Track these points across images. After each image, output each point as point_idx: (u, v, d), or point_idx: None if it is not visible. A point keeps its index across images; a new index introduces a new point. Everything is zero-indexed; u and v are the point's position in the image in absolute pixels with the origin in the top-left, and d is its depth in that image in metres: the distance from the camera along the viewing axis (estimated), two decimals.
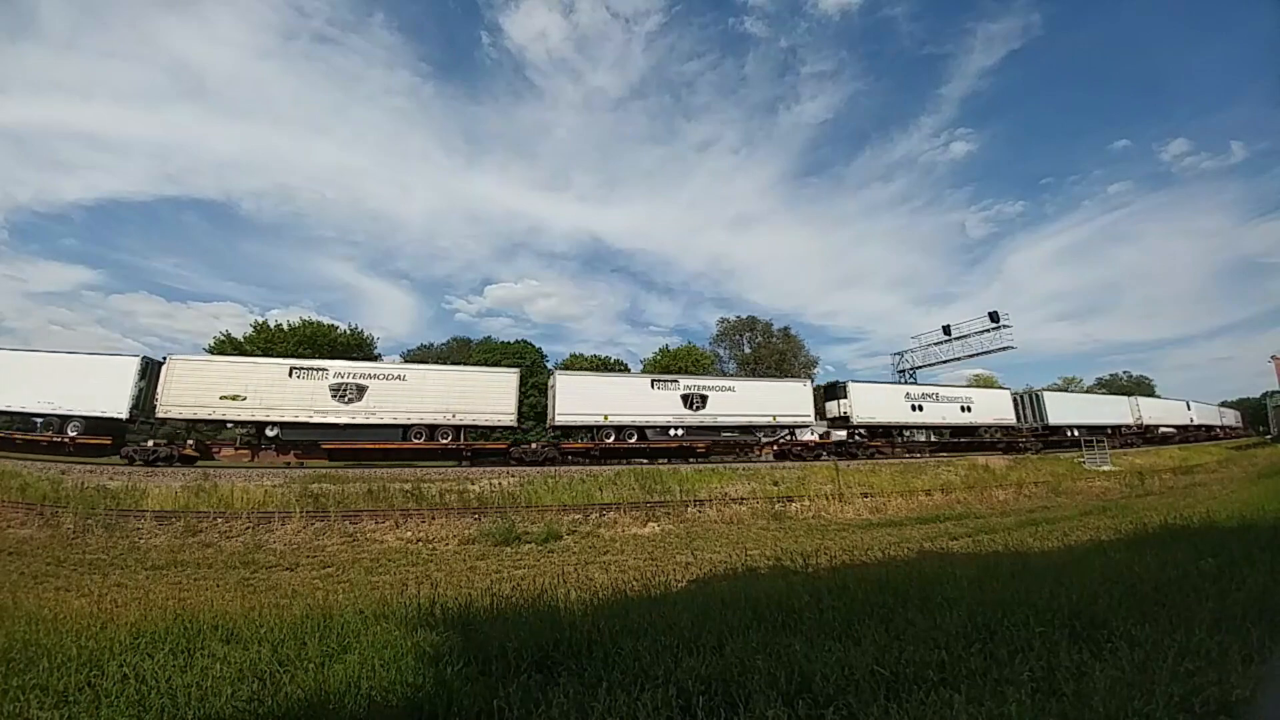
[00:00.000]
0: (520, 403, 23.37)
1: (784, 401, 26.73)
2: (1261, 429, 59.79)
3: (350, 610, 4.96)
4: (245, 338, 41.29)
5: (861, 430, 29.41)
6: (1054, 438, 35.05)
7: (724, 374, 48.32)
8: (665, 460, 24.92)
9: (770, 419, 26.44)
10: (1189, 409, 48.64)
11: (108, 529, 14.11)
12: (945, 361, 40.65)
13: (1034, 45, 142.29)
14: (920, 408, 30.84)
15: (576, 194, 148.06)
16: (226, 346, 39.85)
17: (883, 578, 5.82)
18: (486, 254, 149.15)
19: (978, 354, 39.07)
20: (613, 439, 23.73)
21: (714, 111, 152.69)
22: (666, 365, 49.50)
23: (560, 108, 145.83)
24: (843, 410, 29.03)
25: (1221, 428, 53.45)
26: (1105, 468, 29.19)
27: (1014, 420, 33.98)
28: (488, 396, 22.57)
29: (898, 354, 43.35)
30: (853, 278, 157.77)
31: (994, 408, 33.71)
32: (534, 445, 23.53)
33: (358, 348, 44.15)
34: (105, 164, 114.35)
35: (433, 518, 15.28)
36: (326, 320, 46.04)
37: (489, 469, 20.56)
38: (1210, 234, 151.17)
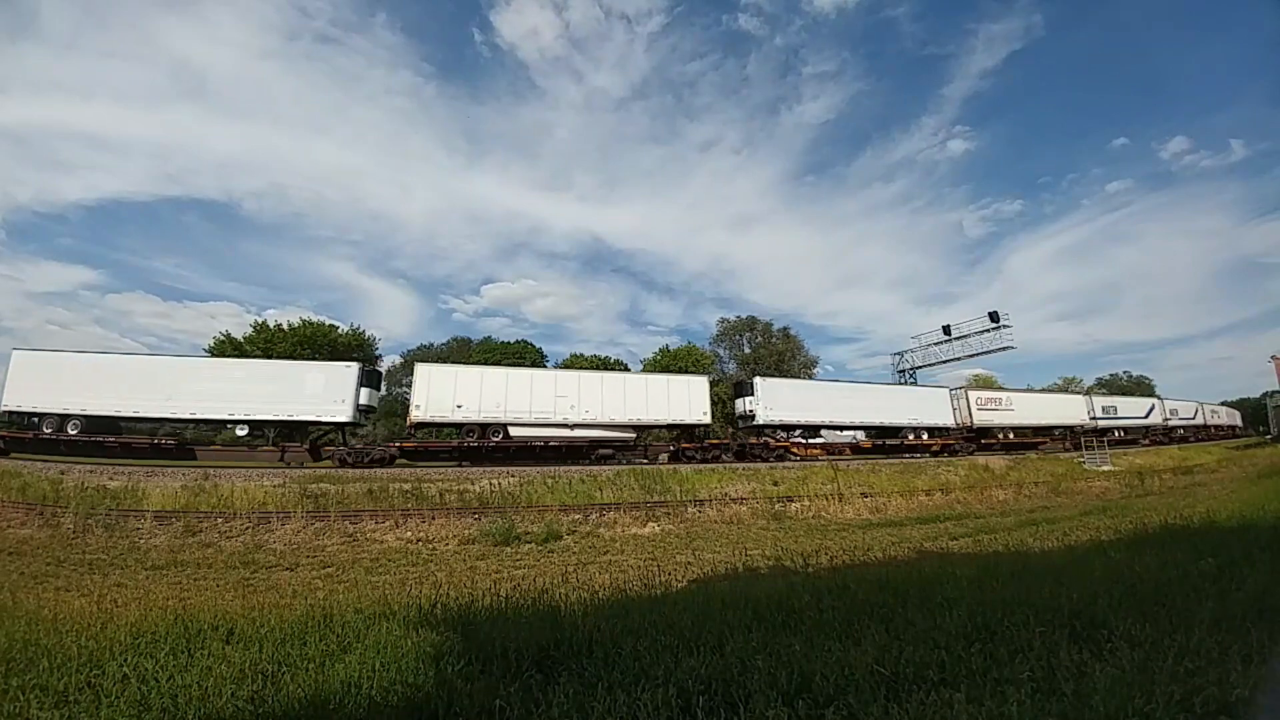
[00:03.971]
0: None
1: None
2: (1261, 429, 59.81)
3: (351, 610, 4.95)
4: (245, 338, 41.22)
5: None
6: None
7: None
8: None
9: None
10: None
11: (108, 529, 14.10)
12: (945, 361, 40.68)
13: (1035, 46, 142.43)
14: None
15: (577, 194, 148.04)
16: (226, 347, 39.78)
17: (883, 578, 5.83)
18: (487, 254, 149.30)
19: (978, 354, 39.11)
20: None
21: (715, 112, 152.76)
22: (666, 365, 49.30)
23: (561, 108, 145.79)
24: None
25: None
26: (1105, 468, 29.25)
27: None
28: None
29: (898, 354, 43.41)
30: (853, 278, 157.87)
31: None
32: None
33: (358, 348, 44.06)
34: (105, 164, 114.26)
35: (433, 518, 15.27)
36: (326, 320, 46.00)
37: (490, 469, 20.57)
38: (1210, 234, 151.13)
